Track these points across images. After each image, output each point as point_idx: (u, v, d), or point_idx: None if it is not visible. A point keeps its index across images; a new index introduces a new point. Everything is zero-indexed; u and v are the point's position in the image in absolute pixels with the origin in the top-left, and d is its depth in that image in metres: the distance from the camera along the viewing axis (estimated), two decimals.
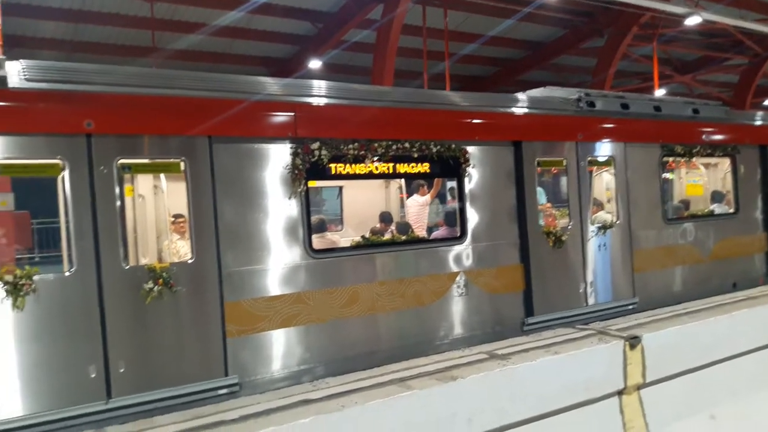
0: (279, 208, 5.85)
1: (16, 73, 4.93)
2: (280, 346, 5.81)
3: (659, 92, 19.56)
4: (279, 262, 5.83)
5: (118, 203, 5.11)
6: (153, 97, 5.34)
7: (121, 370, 5.00)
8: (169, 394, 5.16)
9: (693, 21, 14.81)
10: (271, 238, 5.81)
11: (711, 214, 9.88)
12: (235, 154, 5.65)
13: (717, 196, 10.52)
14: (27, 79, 4.91)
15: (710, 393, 5.17)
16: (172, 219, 6.79)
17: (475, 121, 7.19)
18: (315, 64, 17.46)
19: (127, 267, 5.16)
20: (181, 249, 6.62)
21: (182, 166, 5.39)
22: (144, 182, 7.03)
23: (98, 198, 4.97)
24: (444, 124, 6.93)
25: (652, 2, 13.81)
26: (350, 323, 6.18)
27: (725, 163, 10.28)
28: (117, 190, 5.08)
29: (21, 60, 5.11)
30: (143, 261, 6.57)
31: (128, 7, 14.59)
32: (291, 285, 5.87)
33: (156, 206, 7.06)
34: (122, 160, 5.14)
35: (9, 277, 4.63)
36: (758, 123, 10.58)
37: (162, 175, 6.68)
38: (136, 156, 5.29)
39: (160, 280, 5.12)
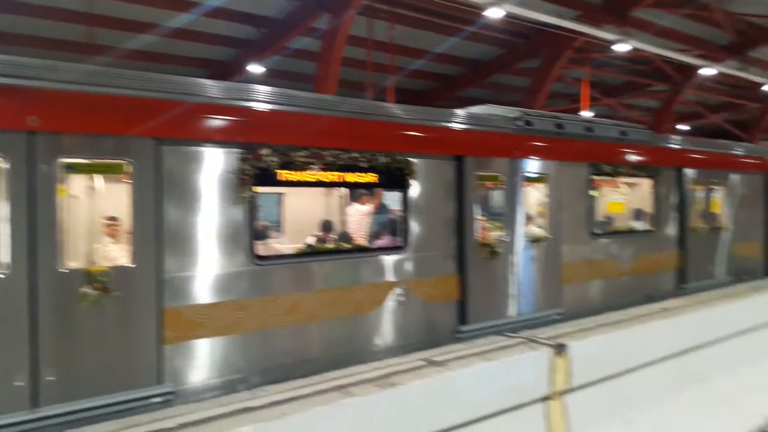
0: (224, 214, 5.82)
1: None
2: (218, 354, 5.75)
3: (587, 114, 20.53)
4: (221, 268, 5.78)
5: (58, 204, 4.97)
6: (102, 96, 5.22)
7: (51, 378, 4.82)
8: (99, 403, 5.00)
9: (622, 48, 15.70)
10: (214, 244, 5.77)
11: (631, 231, 10.46)
12: (183, 157, 5.60)
13: (638, 214, 11.19)
14: None
15: (626, 398, 5.49)
16: (106, 222, 6.63)
17: (419, 134, 7.39)
18: (256, 68, 17.33)
19: (64, 270, 5.00)
20: (112, 253, 6.48)
21: (128, 167, 5.30)
22: (78, 183, 6.84)
23: (38, 198, 4.82)
24: (392, 136, 7.09)
25: (585, 27, 14.57)
26: (289, 331, 6.18)
27: (646, 183, 10.95)
28: (57, 189, 4.95)
29: None
30: (79, 265, 6.38)
31: (65, 1, 14.06)
32: (233, 292, 5.83)
33: (91, 208, 6.87)
34: (65, 160, 5.01)
35: None
36: (676, 147, 11.33)
37: (97, 176, 6.51)
38: (80, 155, 5.16)
39: (98, 285, 5.01)
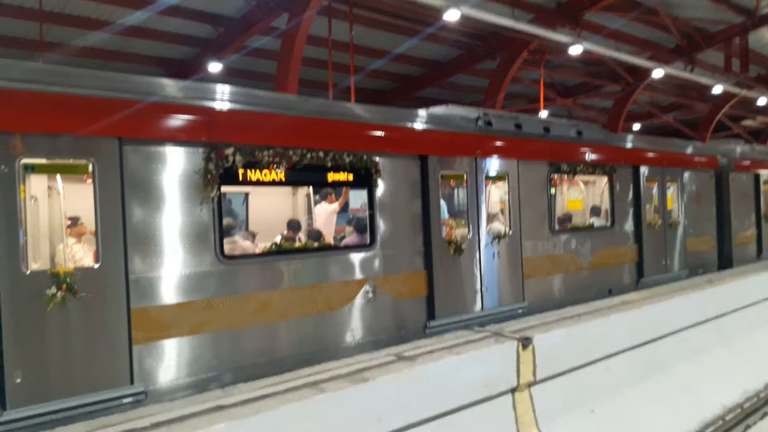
0: (190, 214, 5.78)
1: None
2: (189, 354, 5.72)
3: (544, 114, 20.99)
4: (189, 268, 5.75)
5: (20, 205, 4.86)
6: (62, 95, 5.11)
7: (18, 380, 4.73)
8: (70, 405, 4.93)
9: (575, 50, 16.11)
10: (181, 244, 5.73)
11: (590, 227, 10.78)
12: (146, 156, 5.54)
13: (595, 210, 11.52)
14: None
15: (590, 389, 5.63)
16: (69, 222, 6.49)
17: (385, 134, 7.47)
18: (215, 67, 17.10)
19: (28, 272, 4.90)
20: (77, 253, 6.35)
21: (90, 167, 5.22)
22: (38, 184, 6.67)
23: None
24: (356, 135, 7.13)
25: (540, 30, 14.90)
26: (260, 330, 6.18)
27: (603, 181, 11.28)
28: (18, 191, 4.84)
29: None
30: (43, 266, 6.23)
31: None
32: (201, 291, 5.80)
33: (52, 209, 6.71)
34: (26, 160, 4.90)
35: None
36: (631, 146, 11.71)
37: (58, 177, 6.38)
38: (41, 156, 5.05)
39: (64, 286, 4.92)
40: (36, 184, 6.54)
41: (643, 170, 11.42)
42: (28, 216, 5.08)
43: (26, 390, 4.77)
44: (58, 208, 6.59)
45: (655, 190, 11.84)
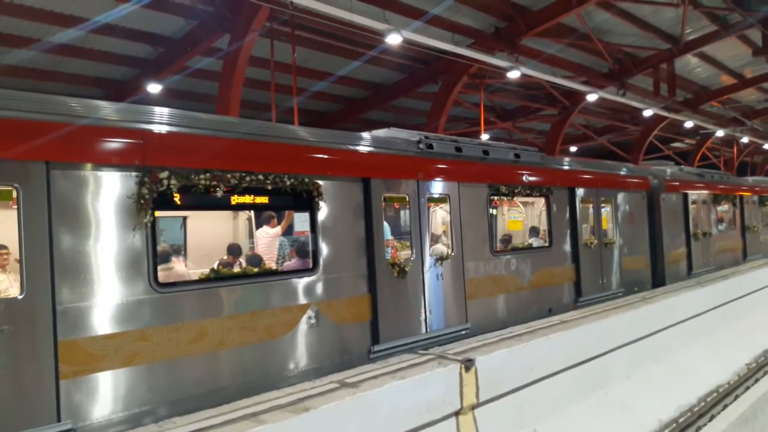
0: (122, 240, 5.56)
1: None
2: (121, 387, 5.45)
3: (484, 137, 21.46)
4: (121, 296, 5.51)
5: None
6: None
7: None
8: None
9: (514, 74, 16.59)
10: (112, 272, 5.49)
11: (529, 247, 11.01)
12: (75, 181, 5.31)
13: (534, 231, 11.78)
14: None
15: (533, 409, 5.70)
16: None
17: (328, 156, 7.43)
18: (155, 88, 16.72)
19: None
20: (1, 283, 6.01)
21: (14, 193, 4.96)
22: None
23: None
24: (298, 158, 7.06)
25: (480, 54, 15.28)
26: (197, 360, 5.97)
27: (541, 202, 11.56)
28: None
29: None
30: None
31: None
32: (133, 321, 5.55)
33: None
34: None
35: None
36: (567, 168, 12.08)
37: None
38: None
39: None
40: None
41: (579, 191, 11.77)
42: None
43: None
44: None
45: (590, 211, 12.22)
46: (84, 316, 5.27)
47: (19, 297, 4.95)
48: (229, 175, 6.25)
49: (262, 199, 6.72)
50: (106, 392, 5.36)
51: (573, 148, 33.43)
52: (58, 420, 5.01)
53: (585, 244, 11.76)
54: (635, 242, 13.48)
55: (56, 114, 5.34)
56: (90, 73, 17.00)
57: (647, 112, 22.49)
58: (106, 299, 5.43)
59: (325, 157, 7.41)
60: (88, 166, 5.42)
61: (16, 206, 5.03)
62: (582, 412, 6.01)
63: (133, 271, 5.61)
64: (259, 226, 8.70)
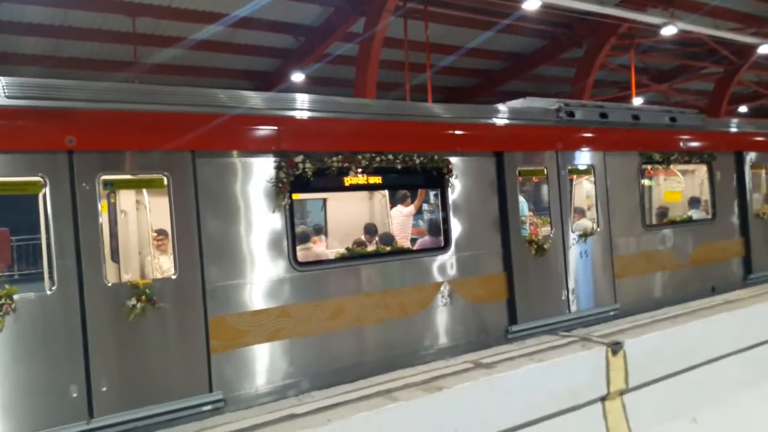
0: (263, 222, 5.84)
1: None
2: (265, 361, 5.78)
3: (637, 101, 19.89)
4: (263, 275, 5.81)
5: (100, 220, 5.07)
6: (134, 112, 5.31)
7: (104, 389, 4.92)
8: (152, 412, 5.08)
9: (669, 31, 15.11)
10: (255, 252, 5.80)
11: (689, 220, 10.03)
12: (218, 168, 5.65)
13: (694, 203, 10.70)
14: (8, 96, 4.88)
15: (691, 397, 5.21)
16: (155, 235, 6.76)
17: (457, 132, 7.26)
18: (298, 77, 17.51)
19: (110, 284, 5.10)
20: (164, 265, 6.59)
21: (165, 181, 5.37)
22: (126, 198, 7.00)
23: (80, 215, 4.93)
24: (427, 135, 6.98)
25: (629, 13, 14.09)
26: (335, 336, 6.16)
27: (702, 170, 10.47)
28: (99, 206, 5.05)
29: (1, 77, 5.06)
30: (126, 277, 6.52)
31: (110, 23, 14.55)
32: (276, 299, 5.85)
33: (138, 222, 7.03)
34: (105, 176, 5.11)
35: None
36: (733, 130, 10.80)
37: (144, 191, 6.67)
38: (118, 172, 5.26)
39: (143, 297, 5.08)
40: (124, 199, 6.91)
41: (749, 156, 10.49)
42: (113, 229, 5.27)
43: (111, 398, 4.96)
44: (145, 222, 6.90)
45: (763, 177, 10.88)
46: (230, 295, 5.62)
47: (173, 277, 5.38)
48: (359, 156, 6.32)
49: (393, 179, 6.73)
50: (252, 366, 5.71)
51: (743, 108, 29.89)
52: (210, 390, 5.41)
53: (756, 214, 10.48)
54: None
55: (198, 105, 5.71)
56: (238, 66, 18.21)
57: None
58: (249, 278, 5.74)
59: (453, 132, 7.23)
60: (229, 153, 5.74)
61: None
62: (749, 401, 5.39)
63: (273, 251, 5.89)
64: (393, 205, 8.77)
